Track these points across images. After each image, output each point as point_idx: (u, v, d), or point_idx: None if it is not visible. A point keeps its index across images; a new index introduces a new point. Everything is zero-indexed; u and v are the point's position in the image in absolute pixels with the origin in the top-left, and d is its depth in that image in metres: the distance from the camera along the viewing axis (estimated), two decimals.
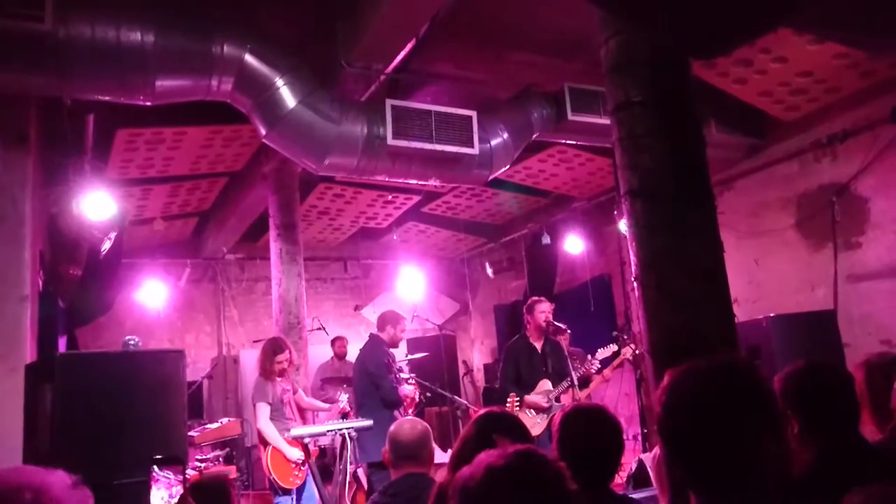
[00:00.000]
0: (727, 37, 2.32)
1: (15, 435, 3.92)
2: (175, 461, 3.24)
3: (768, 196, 6.80)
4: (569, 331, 5.83)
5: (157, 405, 3.54)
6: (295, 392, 5.66)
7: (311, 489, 5.22)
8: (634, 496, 4.30)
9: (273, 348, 5.44)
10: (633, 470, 5.74)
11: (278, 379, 5.36)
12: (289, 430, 4.99)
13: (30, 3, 3.69)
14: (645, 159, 2.67)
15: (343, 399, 5.72)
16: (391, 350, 5.63)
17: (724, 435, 1.30)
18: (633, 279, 2.76)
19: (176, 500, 3.68)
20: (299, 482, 5.21)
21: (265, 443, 5.20)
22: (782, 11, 2.24)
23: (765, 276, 6.78)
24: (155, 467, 3.19)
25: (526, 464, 1.21)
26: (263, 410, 5.22)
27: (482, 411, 2.39)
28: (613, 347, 6.01)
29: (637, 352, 6.07)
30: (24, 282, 4.58)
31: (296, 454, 5.13)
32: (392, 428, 2.86)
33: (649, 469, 5.58)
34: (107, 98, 4.41)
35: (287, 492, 5.19)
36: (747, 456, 1.29)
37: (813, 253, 6.42)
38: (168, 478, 3.60)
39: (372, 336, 5.68)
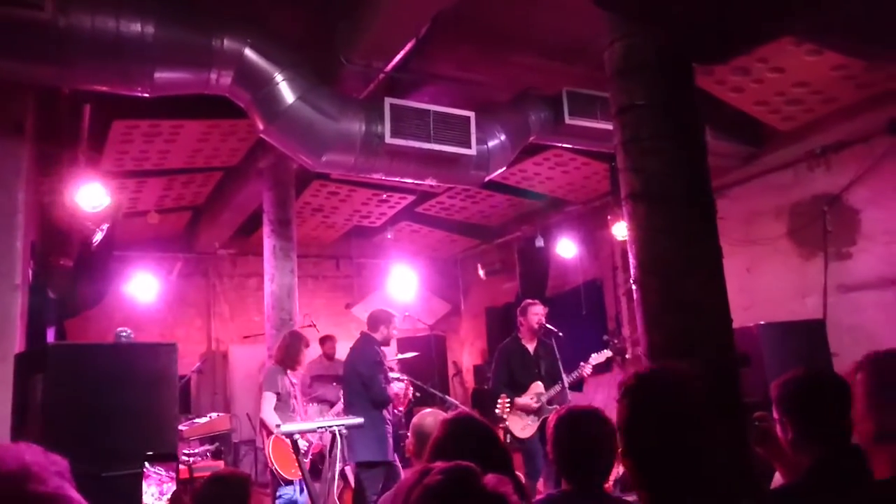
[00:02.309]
0: (731, 42, 2.34)
1: (3, 425, 3.90)
2: (167, 457, 3.22)
3: (762, 204, 6.85)
4: (560, 333, 5.82)
5: (149, 398, 3.54)
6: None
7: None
8: (629, 499, 4.32)
9: (302, 340, 5.55)
10: (621, 473, 5.77)
11: (289, 372, 5.39)
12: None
13: None
14: (649, 162, 2.69)
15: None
16: (383, 349, 5.62)
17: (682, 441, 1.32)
18: (632, 282, 2.77)
19: (168, 496, 3.66)
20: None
21: (268, 431, 5.19)
22: (785, 18, 2.26)
23: (757, 283, 6.82)
24: (146, 463, 3.16)
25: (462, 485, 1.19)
26: (270, 400, 5.26)
27: (450, 416, 2.39)
28: (607, 353, 6.02)
29: (628, 357, 6.08)
30: (16, 271, 4.56)
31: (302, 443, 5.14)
32: (415, 420, 2.87)
33: None
34: (106, 89, 4.38)
35: (289, 482, 5.18)
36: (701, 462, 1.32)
37: (805, 262, 6.46)
38: (159, 474, 3.57)
39: (363, 335, 5.64)
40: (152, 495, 3.73)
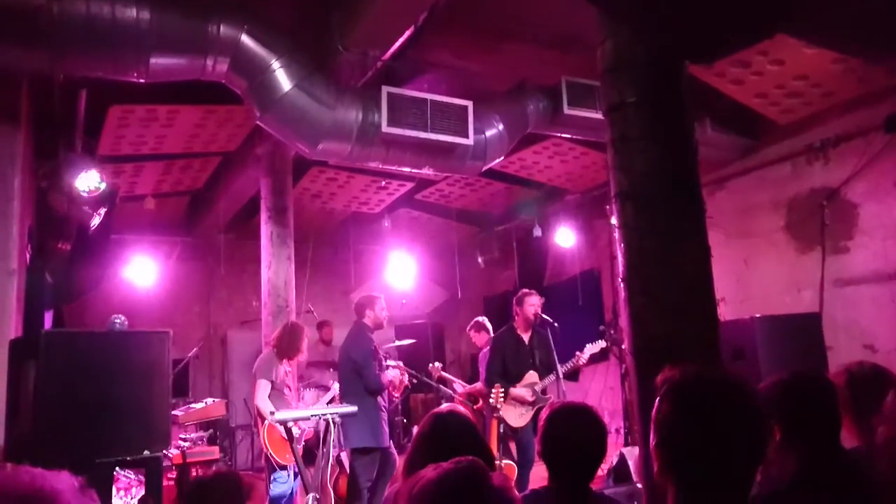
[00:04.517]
0: (724, 42, 2.32)
1: None
2: (138, 463, 3.23)
3: (760, 197, 6.83)
4: (556, 324, 5.83)
5: (142, 386, 3.55)
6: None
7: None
8: (608, 492, 4.34)
9: (302, 329, 5.56)
10: (615, 463, 5.80)
11: (284, 361, 5.41)
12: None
13: None
14: (637, 162, 2.68)
15: (336, 387, 5.75)
16: (376, 333, 5.63)
17: (723, 443, 1.32)
18: (620, 280, 2.77)
19: (135, 501, 3.66)
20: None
21: (262, 418, 5.24)
22: (778, 20, 2.24)
23: (753, 276, 6.82)
24: (118, 468, 3.16)
25: (469, 479, 1.21)
26: (264, 387, 5.29)
27: (433, 413, 2.38)
28: (602, 344, 6.03)
29: (624, 347, 6.08)
30: (12, 256, 4.57)
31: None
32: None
33: (630, 463, 5.64)
34: (100, 75, 4.37)
35: (283, 467, 5.25)
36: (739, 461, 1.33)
37: (801, 256, 6.46)
38: (128, 478, 3.58)
39: (355, 323, 5.65)
40: (121, 499, 3.68)
